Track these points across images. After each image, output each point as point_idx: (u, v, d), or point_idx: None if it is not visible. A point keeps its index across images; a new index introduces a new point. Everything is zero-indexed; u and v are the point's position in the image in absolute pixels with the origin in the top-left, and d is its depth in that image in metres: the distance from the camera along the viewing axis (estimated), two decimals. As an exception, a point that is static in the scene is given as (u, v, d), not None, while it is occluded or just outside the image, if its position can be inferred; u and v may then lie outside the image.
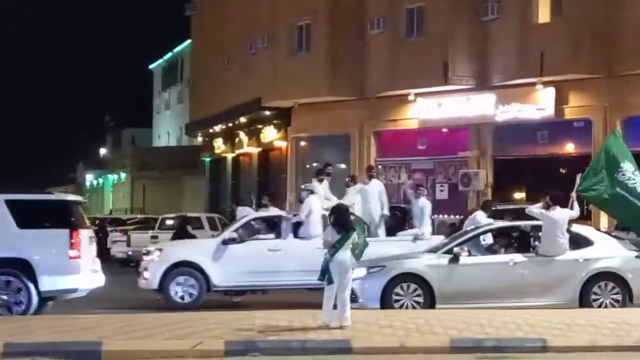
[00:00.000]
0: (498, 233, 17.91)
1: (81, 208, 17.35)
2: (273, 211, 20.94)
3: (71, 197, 17.47)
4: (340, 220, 13.91)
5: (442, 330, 13.21)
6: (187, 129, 56.64)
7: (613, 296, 16.67)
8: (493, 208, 21.45)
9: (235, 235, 19.41)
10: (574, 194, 17.75)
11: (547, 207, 17.19)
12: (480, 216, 19.22)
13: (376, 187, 21.41)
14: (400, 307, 16.24)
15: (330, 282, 13.56)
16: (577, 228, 17.49)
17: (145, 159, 67.19)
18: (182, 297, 18.77)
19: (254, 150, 45.30)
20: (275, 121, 41.56)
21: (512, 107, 32.01)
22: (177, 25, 59.60)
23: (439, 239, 19.06)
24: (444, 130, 35.34)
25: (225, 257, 19.04)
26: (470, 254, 16.88)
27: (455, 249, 16.82)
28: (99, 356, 12.00)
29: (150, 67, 79.58)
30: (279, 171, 42.42)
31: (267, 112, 41.26)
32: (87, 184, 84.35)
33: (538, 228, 17.24)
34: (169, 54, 71.95)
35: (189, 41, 57.82)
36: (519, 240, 17.74)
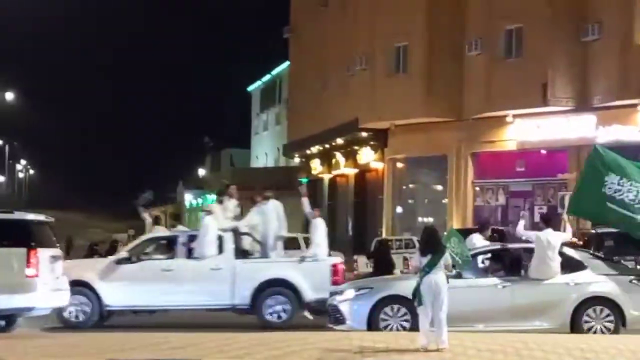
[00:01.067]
0: (490, 256, 17.38)
1: (48, 227, 17.08)
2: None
3: (32, 217, 17.10)
4: (429, 241, 13.82)
5: (542, 354, 12.99)
6: (284, 149, 57.06)
7: (606, 322, 16.12)
8: (593, 231, 20.91)
9: (127, 255, 19.41)
10: (565, 216, 17.28)
11: (538, 229, 16.84)
12: (477, 238, 18.34)
13: (274, 207, 21.18)
14: (388, 329, 16.07)
15: (420, 303, 13.48)
16: (569, 251, 17.05)
17: (244, 179, 67.75)
18: (76, 316, 18.71)
19: (351, 171, 45.38)
20: (371, 142, 41.59)
21: (612, 128, 31.49)
22: (276, 47, 60.25)
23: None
24: (543, 151, 34.94)
25: (118, 277, 19.00)
26: (460, 277, 16.35)
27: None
28: (199, 373, 12.17)
29: (249, 89, 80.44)
30: (375, 192, 42.41)
31: (364, 134, 41.32)
32: (187, 203, 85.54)
33: (530, 250, 16.72)
34: (267, 76, 72.62)
35: (287, 63, 58.28)
36: (511, 263, 17.11)
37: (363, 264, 30.83)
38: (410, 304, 15.44)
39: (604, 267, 16.80)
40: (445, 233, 15.79)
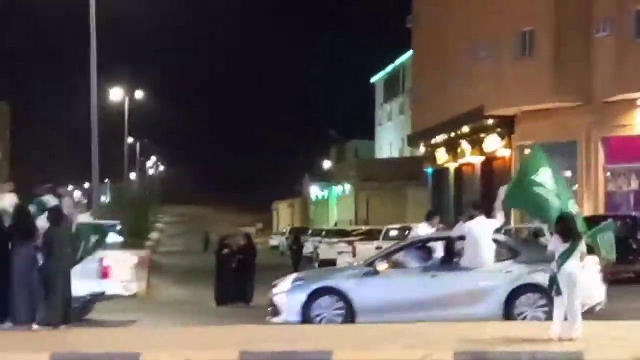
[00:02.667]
0: (424, 245, 17.25)
1: None
2: None
3: None
4: (567, 229, 13.51)
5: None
6: (409, 139, 56.87)
7: (539, 309, 15.66)
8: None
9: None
10: (498, 204, 16.67)
11: (470, 218, 16.46)
12: (422, 228, 18.13)
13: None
14: (321, 321, 15.92)
15: (558, 293, 13.22)
16: (503, 239, 16.94)
17: (369, 170, 67.96)
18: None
19: (477, 159, 44.89)
20: (498, 129, 41.06)
21: None
22: (399, 37, 60.12)
23: None
24: (677, 134, 33.86)
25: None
26: (396, 266, 16.39)
27: (377, 262, 16.50)
28: (329, 365, 12.18)
29: (372, 80, 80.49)
30: (502, 181, 41.71)
31: (490, 121, 40.83)
32: (313, 196, 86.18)
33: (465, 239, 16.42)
34: (391, 66, 72.55)
35: (410, 52, 58.07)
36: (446, 251, 16.90)
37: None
38: (343, 295, 15.96)
39: (539, 254, 16.13)
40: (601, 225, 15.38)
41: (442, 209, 50.08)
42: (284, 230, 67.28)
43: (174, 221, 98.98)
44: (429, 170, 53.07)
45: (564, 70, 35.33)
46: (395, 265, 17.05)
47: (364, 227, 48.51)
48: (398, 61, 69.00)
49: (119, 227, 32.39)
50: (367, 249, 31.83)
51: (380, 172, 65.59)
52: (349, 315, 16.06)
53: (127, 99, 61.75)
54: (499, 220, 16.68)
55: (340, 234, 44.57)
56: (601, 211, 33.72)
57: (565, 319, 13.23)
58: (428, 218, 18.59)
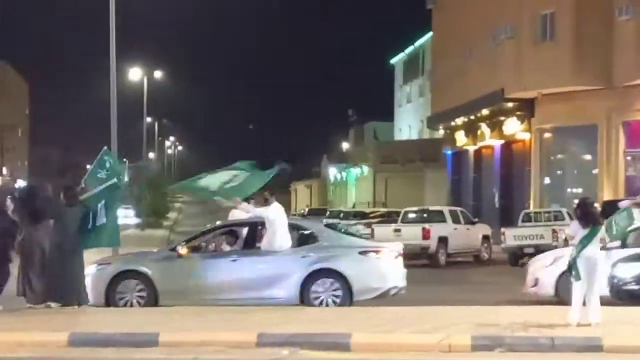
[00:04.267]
0: (229, 230, 17.42)
1: None
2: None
3: None
4: (588, 214, 13.46)
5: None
6: (428, 121, 56.75)
7: (334, 294, 15.92)
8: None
9: None
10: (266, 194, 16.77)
11: (265, 202, 16.63)
12: (238, 213, 18.06)
13: None
14: (125, 304, 16.12)
15: (578, 278, 13.19)
16: (303, 223, 17.73)
17: (387, 152, 67.83)
18: None
19: (496, 142, 44.77)
20: (518, 112, 40.93)
21: None
22: (418, 18, 59.92)
23: None
24: (699, 119, 33.63)
25: None
26: (207, 250, 16.89)
27: (179, 246, 16.80)
28: (347, 347, 12.18)
29: (392, 61, 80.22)
30: (522, 164, 41.73)
31: (510, 104, 40.70)
32: (331, 177, 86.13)
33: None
34: (410, 48, 72.28)
35: (430, 34, 57.85)
36: (248, 236, 17.17)
37: (510, 236, 30.28)
38: (146, 278, 16.21)
39: (336, 239, 16.76)
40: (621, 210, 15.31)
41: (461, 191, 50.06)
42: (302, 211, 67.31)
43: (192, 201, 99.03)
44: (448, 152, 52.97)
45: (585, 53, 35.13)
46: (207, 249, 17.38)
47: (382, 209, 48.42)
48: (418, 43, 68.74)
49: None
50: (385, 231, 31.70)
51: (399, 154, 65.47)
52: (153, 298, 16.32)
53: (145, 79, 61.78)
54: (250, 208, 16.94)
55: (359, 215, 44.49)
56: (621, 195, 33.53)
57: (584, 304, 13.21)
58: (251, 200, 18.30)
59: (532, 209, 36.87)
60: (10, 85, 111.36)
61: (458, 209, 38.12)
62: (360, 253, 16.36)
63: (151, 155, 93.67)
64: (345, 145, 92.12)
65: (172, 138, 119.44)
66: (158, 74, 65.50)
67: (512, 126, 41.74)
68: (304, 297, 16.09)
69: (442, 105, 49.77)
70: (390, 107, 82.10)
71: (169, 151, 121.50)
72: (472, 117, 45.97)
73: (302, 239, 16.91)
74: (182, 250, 16.75)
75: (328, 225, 19.71)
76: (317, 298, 16.09)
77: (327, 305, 15.95)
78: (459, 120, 48.05)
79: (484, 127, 45.35)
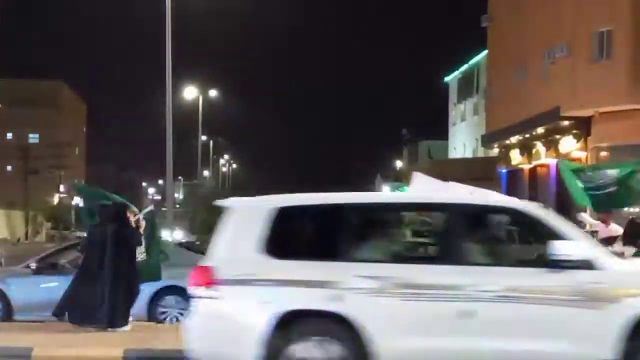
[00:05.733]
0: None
1: None
2: None
3: None
4: (636, 234, 13.53)
5: None
6: (483, 140, 56.45)
7: (180, 310, 16.13)
8: None
9: None
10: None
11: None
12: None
13: None
14: None
15: None
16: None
17: (442, 170, 67.45)
18: None
19: (552, 161, 44.37)
20: (574, 131, 40.54)
21: None
22: (473, 36, 59.81)
23: None
24: None
25: None
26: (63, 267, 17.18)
27: (34, 263, 17.50)
28: None
29: (446, 79, 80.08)
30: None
31: (566, 122, 40.32)
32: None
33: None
34: (465, 66, 72.12)
35: (484, 52, 57.66)
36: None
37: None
38: (2, 293, 16.92)
39: (188, 258, 16.46)
40: None
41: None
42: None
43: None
44: (503, 171, 52.61)
45: (642, 71, 34.73)
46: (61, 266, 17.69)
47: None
48: (472, 61, 68.56)
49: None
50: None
51: (454, 172, 64.95)
52: (7, 313, 16.97)
53: (200, 98, 62.30)
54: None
55: (413, 234, 44.26)
56: (679, 215, 33.02)
57: None
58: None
59: (588, 227, 36.44)
60: (68, 104, 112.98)
61: (513, 228, 37.84)
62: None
63: (206, 173, 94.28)
64: (399, 164, 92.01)
65: (226, 156, 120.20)
66: (213, 93, 66.03)
67: (568, 145, 41.35)
68: (152, 313, 16.55)
69: (496, 123, 49.49)
70: (445, 125, 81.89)
71: (224, 169, 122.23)
72: (527, 136, 45.63)
73: None
74: (36, 266, 17.56)
75: (181, 245, 20.17)
76: (163, 313, 16.61)
77: (177, 321, 16.11)
78: (514, 139, 47.70)
79: (539, 146, 44.98)
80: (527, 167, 48.05)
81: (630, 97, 35.25)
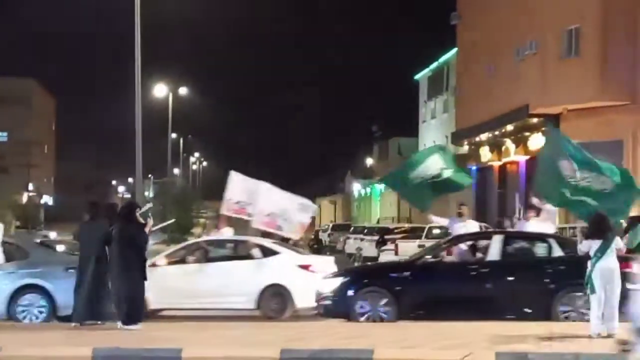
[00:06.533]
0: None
1: None
2: None
3: None
4: (600, 226, 13.61)
5: None
6: (453, 137, 56.61)
7: (38, 309, 16.62)
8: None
9: None
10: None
11: None
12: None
13: None
14: None
15: (593, 291, 13.32)
16: (10, 239, 18.14)
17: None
18: None
19: (521, 158, 44.58)
20: (543, 128, 40.73)
21: None
22: (443, 34, 59.91)
23: None
24: None
25: None
26: None
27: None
28: (370, 363, 12.15)
29: (416, 77, 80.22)
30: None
31: (535, 119, 40.51)
32: (355, 193, 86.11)
33: None
34: (435, 64, 72.25)
35: (454, 50, 57.79)
36: None
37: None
38: None
39: (46, 256, 17.39)
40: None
41: (486, 207, 49.86)
42: (326, 227, 67.32)
43: (217, 216, 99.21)
44: (473, 168, 52.79)
45: (610, 68, 34.94)
46: None
47: (406, 225, 48.30)
48: (442, 59, 68.66)
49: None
50: (409, 246, 31.67)
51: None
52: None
53: (170, 95, 62.07)
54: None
55: (383, 231, 44.42)
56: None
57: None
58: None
59: (557, 224, 36.67)
60: (37, 102, 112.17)
61: (482, 224, 37.98)
62: (67, 269, 16.67)
63: (176, 171, 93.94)
64: (369, 161, 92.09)
65: (197, 154, 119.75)
66: (183, 90, 65.78)
67: (537, 142, 41.50)
68: (11, 311, 16.67)
69: (466, 121, 49.66)
70: (415, 123, 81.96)
71: (194, 167, 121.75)
72: (497, 133, 45.81)
73: (10, 253, 17.44)
74: None
75: (42, 243, 20.46)
76: (23, 312, 16.68)
77: (37, 319, 16.52)
78: (484, 136, 47.89)
79: (509, 143, 45.17)
80: (496, 164, 48.26)
81: (599, 94, 35.46)
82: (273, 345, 12.80)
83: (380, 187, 75.51)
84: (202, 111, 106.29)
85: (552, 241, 16.73)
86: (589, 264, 13.50)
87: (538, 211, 18.36)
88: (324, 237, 63.11)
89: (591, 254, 13.49)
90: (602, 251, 13.36)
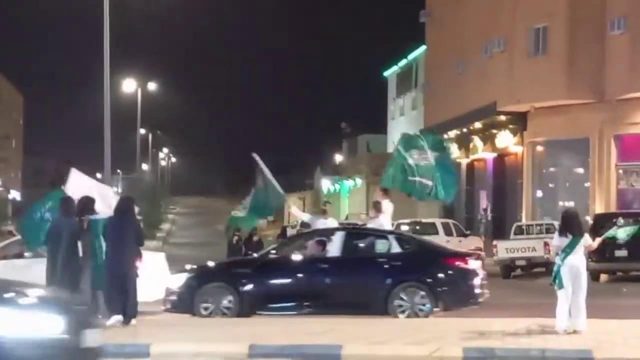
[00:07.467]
0: None
1: None
2: None
3: None
4: (570, 223, 13.76)
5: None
6: (421, 134, 56.77)
7: None
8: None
9: None
10: None
11: None
12: None
13: None
14: None
15: (561, 286, 13.44)
16: None
17: (380, 165, 67.67)
18: None
19: (489, 155, 44.83)
20: (510, 126, 41.00)
21: None
22: (412, 32, 60.01)
23: None
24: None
25: None
26: None
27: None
28: (338, 359, 12.21)
29: (385, 74, 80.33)
30: (514, 176, 41.80)
31: (503, 117, 40.76)
32: (324, 189, 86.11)
33: None
34: (404, 61, 72.37)
35: (423, 47, 57.94)
36: None
37: (502, 249, 30.33)
38: None
39: None
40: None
41: (454, 204, 50.06)
42: (295, 223, 67.27)
43: (185, 212, 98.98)
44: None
45: (577, 67, 35.23)
46: None
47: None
48: (411, 56, 68.79)
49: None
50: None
51: (392, 167, 65.31)
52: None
53: (139, 91, 61.84)
54: None
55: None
56: (613, 209, 33.63)
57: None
58: None
59: (524, 221, 36.96)
60: (4, 96, 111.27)
61: (450, 221, 38.24)
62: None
63: (145, 166, 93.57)
64: (338, 158, 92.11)
65: (165, 150, 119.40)
66: (152, 86, 65.60)
67: (505, 139, 41.80)
68: None
69: (435, 118, 49.81)
70: (384, 120, 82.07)
71: (163, 163, 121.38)
72: (465, 130, 46.02)
73: None
74: None
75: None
76: None
77: None
78: (452, 133, 48.05)
79: (477, 140, 45.40)
80: (464, 161, 48.47)
81: (566, 92, 35.73)
82: (242, 341, 12.84)
83: (350, 183, 75.59)
84: (171, 107, 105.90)
85: (392, 237, 17.10)
86: (558, 259, 13.62)
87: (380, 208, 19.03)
88: (292, 233, 63.00)
89: (560, 249, 13.62)
90: (571, 247, 13.49)
